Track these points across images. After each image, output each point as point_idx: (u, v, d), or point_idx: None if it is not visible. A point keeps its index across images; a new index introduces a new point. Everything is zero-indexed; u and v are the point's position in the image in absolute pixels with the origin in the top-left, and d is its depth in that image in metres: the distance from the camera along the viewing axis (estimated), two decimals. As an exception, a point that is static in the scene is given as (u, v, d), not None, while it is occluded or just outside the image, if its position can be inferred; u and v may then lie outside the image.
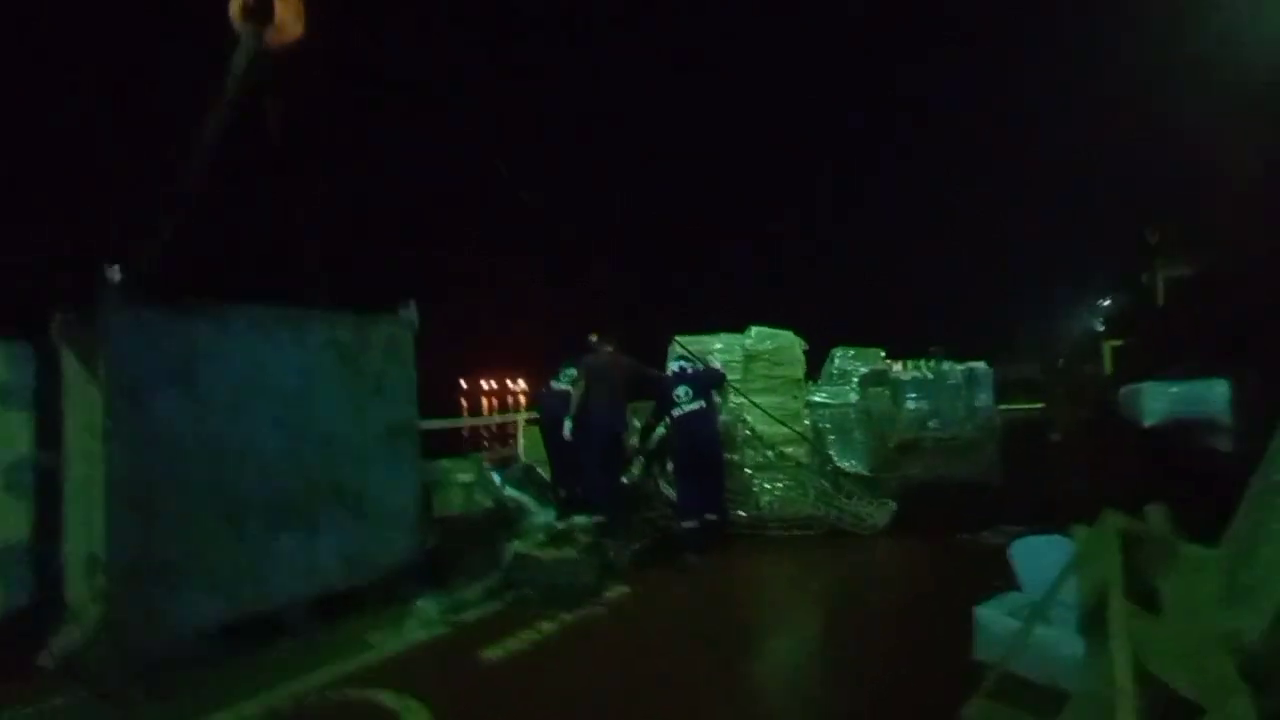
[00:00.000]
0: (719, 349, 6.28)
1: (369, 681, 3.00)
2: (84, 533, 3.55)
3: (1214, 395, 4.52)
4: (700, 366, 5.83)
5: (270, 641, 3.54)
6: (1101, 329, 20.07)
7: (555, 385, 6.10)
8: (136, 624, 3.17)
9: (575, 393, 5.61)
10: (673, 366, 5.78)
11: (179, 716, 2.76)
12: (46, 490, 3.66)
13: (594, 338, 6.21)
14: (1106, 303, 21.71)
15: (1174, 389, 4.74)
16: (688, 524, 5.25)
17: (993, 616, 3.02)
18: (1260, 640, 1.03)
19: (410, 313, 4.64)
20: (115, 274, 3.66)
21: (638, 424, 6.50)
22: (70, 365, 3.75)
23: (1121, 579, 1.31)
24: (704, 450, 5.46)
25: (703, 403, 5.46)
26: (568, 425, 5.56)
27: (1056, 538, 3.70)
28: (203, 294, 3.82)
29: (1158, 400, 4.81)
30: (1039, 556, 3.64)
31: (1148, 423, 4.93)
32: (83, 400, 3.73)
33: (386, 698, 2.79)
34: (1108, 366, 15.02)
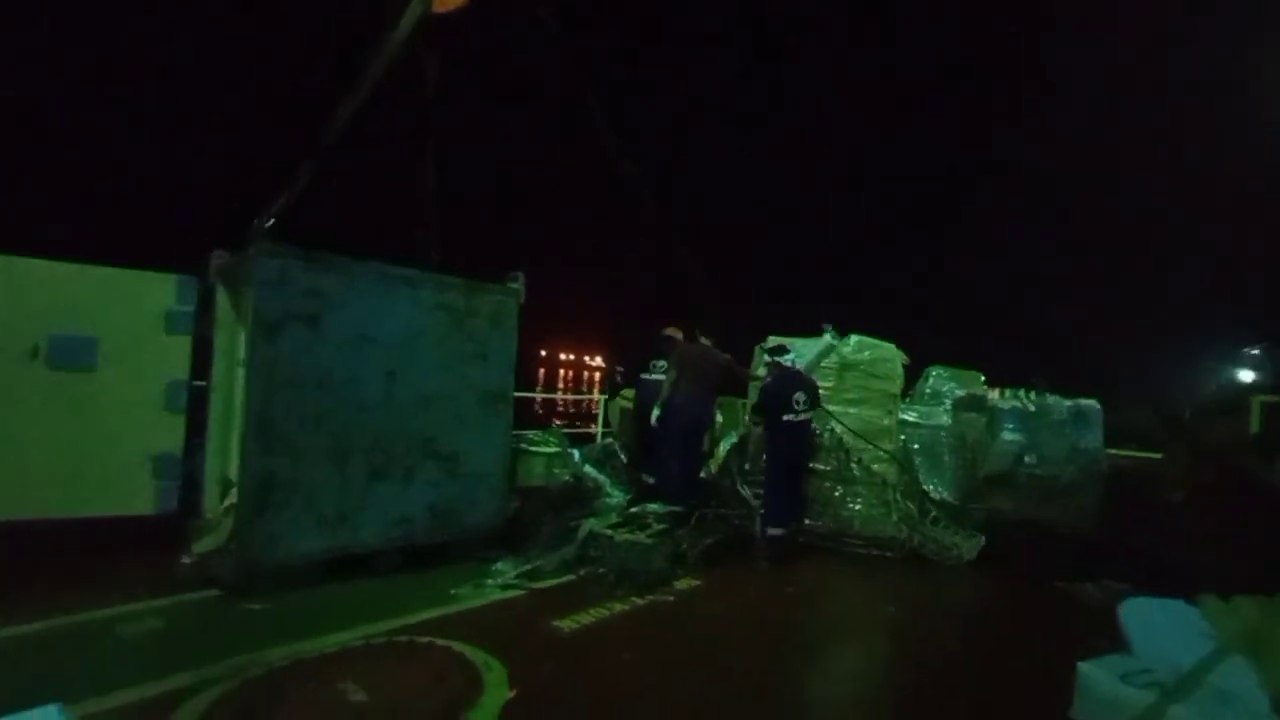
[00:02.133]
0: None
1: (451, 630, 3.18)
2: (220, 454, 3.96)
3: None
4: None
5: (364, 578, 3.82)
6: (1249, 380, 17.83)
7: (648, 376, 6.15)
8: (259, 541, 3.51)
9: (666, 381, 5.62)
10: (786, 360, 5.38)
11: (290, 631, 3.02)
12: (196, 412, 4.11)
13: (672, 332, 6.20)
14: (1255, 351, 19.26)
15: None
16: (774, 531, 5.08)
17: (1099, 676, 2.78)
18: None
19: (518, 284, 4.80)
20: (265, 221, 4.02)
21: (720, 418, 6.45)
22: (222, 302, 4.17)
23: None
24: (803, 463, 5.36)
25: (812, 414, 5.31)
26: (655, 412, 5.58)
27: (1176, 603, 3.35)
28: (326, 245, 4.11)
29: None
30: (1155, 620, 3.31)
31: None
32: (230, 334, 4.14)
33: (469, 650, 2.94)
34: (1255, 424, 13.33)
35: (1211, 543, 6.40)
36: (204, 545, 3.62)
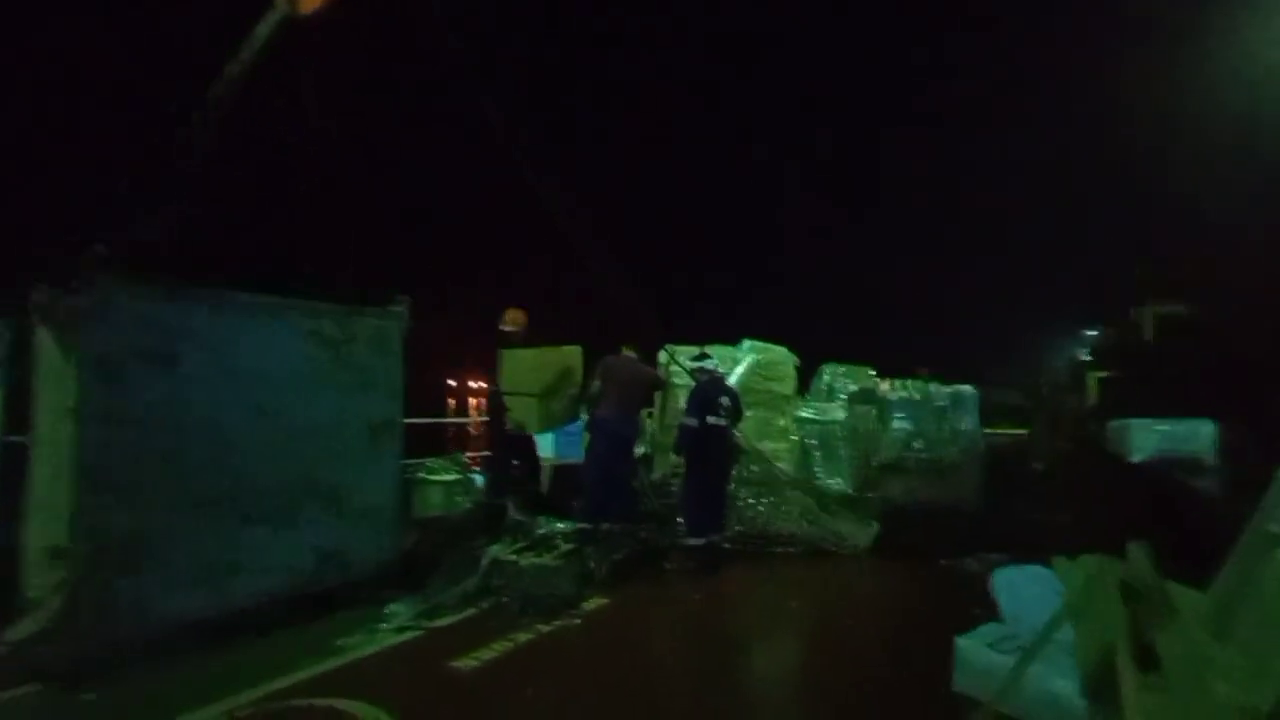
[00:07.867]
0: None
1: (336, 687, 2.92)
2: (48, 520, 3.43)
3: (1200, 436, 4.56)
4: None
5: (237, 640, 3.44)
6: (1088, 359, 20.31)
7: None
8: (96, 615, 3.07)
9: (591, 389, 5.45)
10: (709, 365, 5.39)
11: (131, 717, 2.64)
12: (12, 475, 3.54)
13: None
14: (1093, 333, 21.98)
15: (1162, 427, 4.78)
16: (694, 541, 5.08)
17: (973, 648, 2.97)
18: (1272, 711, 1.00)
19: (401, 308, 4.56)
20: (100, 250, 3.56)
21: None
22: (45, 344, 3.63)
23: (1128, 644, 1.27)
24: (724, 470, 5.29)
25: (731, 422, 5.27)
26: (582, 423, 5.46)
27: (1038, 568, 3.68)
28: (193, 276, 3.73)
29: (1146, 437, 4.84)
30: (1020, 587, 3.62)
31: (1136, 458, 4.96)
32: (58, 380, 3.61)
33: (353, 706, 2.71)
34: (1093, 397, 15.20)
35: (1068, 505, 7.16)
36: (24, 629, 3.10)
